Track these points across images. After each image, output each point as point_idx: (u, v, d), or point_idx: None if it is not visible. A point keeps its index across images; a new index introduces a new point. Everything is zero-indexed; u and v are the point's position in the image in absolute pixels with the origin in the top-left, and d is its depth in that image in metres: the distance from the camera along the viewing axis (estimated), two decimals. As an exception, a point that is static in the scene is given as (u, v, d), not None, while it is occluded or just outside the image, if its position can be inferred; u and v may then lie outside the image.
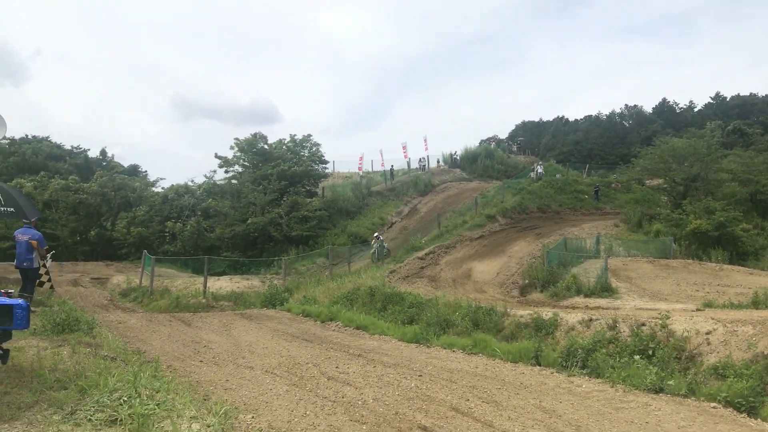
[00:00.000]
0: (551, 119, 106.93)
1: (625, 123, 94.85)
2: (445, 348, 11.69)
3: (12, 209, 9.83)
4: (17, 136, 49.92)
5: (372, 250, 27.52)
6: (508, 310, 13.54)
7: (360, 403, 7.46)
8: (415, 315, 14.45)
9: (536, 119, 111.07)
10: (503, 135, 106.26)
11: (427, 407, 7.31)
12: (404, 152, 49.36)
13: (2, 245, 31.00)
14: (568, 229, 29.90)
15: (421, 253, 24.86)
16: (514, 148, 75.98)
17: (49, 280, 13.35)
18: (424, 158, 50.28)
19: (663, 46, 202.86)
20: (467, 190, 41.98)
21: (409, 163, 49.25)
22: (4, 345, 2.45)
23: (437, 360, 10.56)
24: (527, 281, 20.53)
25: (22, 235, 12.44)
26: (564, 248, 23.23)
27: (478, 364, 10.31)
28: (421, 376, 9.06)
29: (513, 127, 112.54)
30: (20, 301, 2.28)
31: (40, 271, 12.82)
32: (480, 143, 70.38)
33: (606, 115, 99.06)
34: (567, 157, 72.34)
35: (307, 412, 6.98)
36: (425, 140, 50.62)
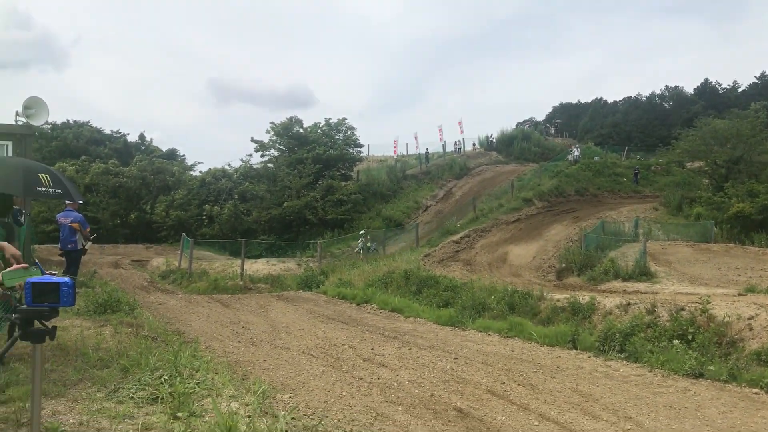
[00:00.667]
0: (589, 101, 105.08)
1: (666, 104, 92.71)
2: (480, 331, 11.65)
3: (59, 191, 10.05)
4: (59, 121, 50.86)
5: (357, 249, 27.35)
6: (545, 293, 13.44)
7: (395, 384, 7.49)
8: (450, 298, 14.43)
9: (574, 101, 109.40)
10: (540, 117, 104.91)
11: (462, 389, 7.31)
12: (440, 135, 49.17)
13: (46, 228, 31.75)
14: (606, 212, 29.47)
15: (456, 237, 24.79)
16: (552, 131, 75.05)
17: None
18: (459, 141, 49.95)
19: (706, 24, 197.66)
20: (503, 174, 41.62)
21: (444, 147, 48.98)
22: (52, 322, 2.50)
23: (472, 343, 10.54)
24: (564, 265, 20.33)
25: (64, 218, 12.72)
26: (602, 232, 22.93)
27: (514, 347, 10.26)
28: (456, 358, 9.07)
29: (550, 110, 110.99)
30: (66, 279, 2.33)
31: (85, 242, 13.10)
32: (516, 126, 69.66)
33: (646, 96, 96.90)
34: (605, 140, 71.13)
35: (343, 393, 7.04)
36: (460, 123, 50.28)
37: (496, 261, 21.83)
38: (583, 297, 12.69)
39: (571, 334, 10.43)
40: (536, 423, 6.19)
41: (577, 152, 41.60)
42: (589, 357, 9.58)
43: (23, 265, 3.14)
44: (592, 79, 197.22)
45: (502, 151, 50.21)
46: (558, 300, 12.86)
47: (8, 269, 2.81)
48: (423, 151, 47.34)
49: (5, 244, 4.92)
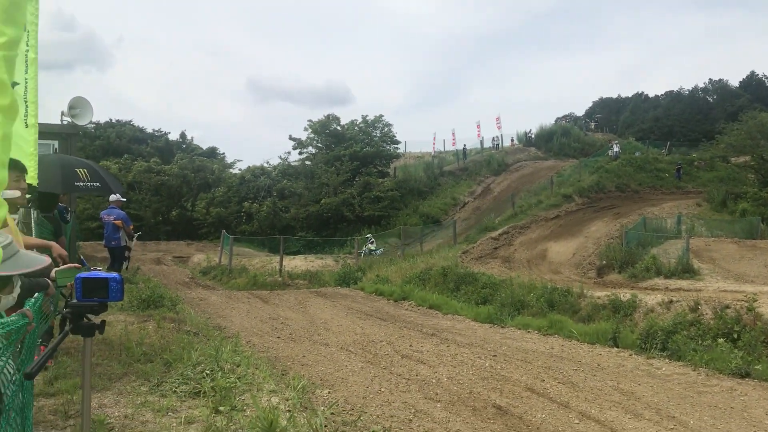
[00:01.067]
0: (630, 95, 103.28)
1: (709, 98, 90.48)
2: (519, 328, 11.57)
3: (98, 184, 10.26)
4: (102, 121, 51.83)
5: (362, 250, 27.24)
6: (585, 291, 13.27)
7: (434, 381, 7.49)
8: (489, 295, 14.35)
9: (614, 95, 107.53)
10: (579, 112, 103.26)
11: (501, 387, 7.27)
12: (477, 131, 48.83)
13: (91, 225, 32.48)
14: (648, 208, 28.92)
15: (494, 234, 24.62)
16: (592, 126, 73.67)
17: (127, 258, 13.92)
18: (497, 137, 49.54)
19: (751, 14, 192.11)
20: (542, 169, 41.15)
21: (482, 142, 48.64)
22: (101, 316, 2.58)
23: (512, 340, 10.47)
24: (604, 262, 20.02)
25: (108, 215, 13.01)
26: (643, 228, 22.51)
27: (554, 345, 10.16)
28: (495, 356, 9.02)
29: (590, 104, 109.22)
30: (115, 274, 2.40)
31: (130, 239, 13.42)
32: (555, 121, 68.63)
33: (688, 90, 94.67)
34: (647, 135, 69.76)
35: (382, 389, 7.07)
36: (498, 119, 49.84)
37: (535, 258, 21.62)
38: (624, 294, 12.49)
39: (611, 332, 10.28)
40: (576, 421, 6.13)
41: (616, 148, 40.82)
42: (631, 355, 9.43)
43: (75, 265, 3.25)
44: (633, 73, 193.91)
45: (541, 146, 49.61)
46: (598, 297, 12.68)
47: (61, 268, 2.91)
48: (460, 148, 47.11)
49: (53, 243, 5.07)
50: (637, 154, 41.08)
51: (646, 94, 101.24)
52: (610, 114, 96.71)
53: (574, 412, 6.39)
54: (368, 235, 29.42)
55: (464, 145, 47.73)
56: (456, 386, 7.27)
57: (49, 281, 3.18)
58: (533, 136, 51.59)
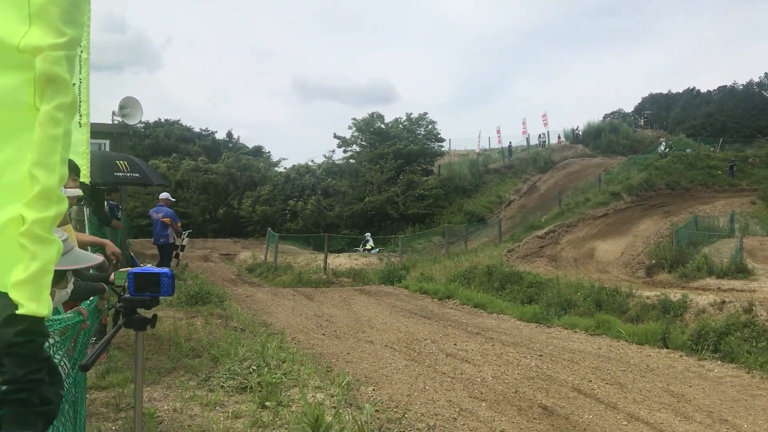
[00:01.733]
0: (681, 91, 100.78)
1: (765, 93, 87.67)
2: (566, 328, 11.41)
3: (137, 174, 10.49)
4: (151, 120, 52.82)
5: (358, 247, 28.11)
6: (634, 290, 13.00)
7: (479, 380, 7.44)
8: (535, 294, 14.19)
9: (664, 91, 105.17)
10: (628, 109, 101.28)
11: (547, 387, 7.18)
12: (523, 128, 48.25)
13: (141, 223, 33.23)
14: (699, 206, 28.17)
15: (540, 232, 24.31)
16: (641, 122, 72.05)
17: (177, 255, 14.19)
18: (543, 134, 48.87)
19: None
20: (590, 167, 40.43)
21: (528, 140, 48.05)
22: (153, 310, 2.65)
23: (558, 340, 10.33)
24: (654, 261, 19.58)
25: (157, 213, 13.29)
26: (694, 227, 21.93)
27: (601, 345, 9.99)
28: (541, 355, 8.91)
29: (639, 100, 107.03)
30: (167, 270, 2.46)
31: (179, 238, 13.71)
32: (603, 118, 67.48)
33: (742, 85, 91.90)
34: (698, 131, 67.89)
35: (426, 387, 7.05)
36: (544, 116, 49.16)
37: (582, 257, 21.28)
38: (675, 294, 12.19)
39: (661, 333, 10.05)
40: (625, 423, 6.01)
41: (663, 147, 39.75)
42: (681, 356, 9.21)
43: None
44: (684, 69, 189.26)
45: (589, 143, 48.74)
46: (647, 297, 12.41)
47: (121, 270, 3.00)
48: (506, 145, 46.63)
49: (107, 241, 5.20)
50: (688, 151, 40.04)
51: (698, 90, 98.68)
52: (660, 110, 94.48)
53: (622, 414, 6.27)
54: (366, 234, 29.85)
55: (510, 142, 47.24)
56: (501, 385, 7.21)
57: (105, 287, 3.28)
58: (580, 132, 50.72)
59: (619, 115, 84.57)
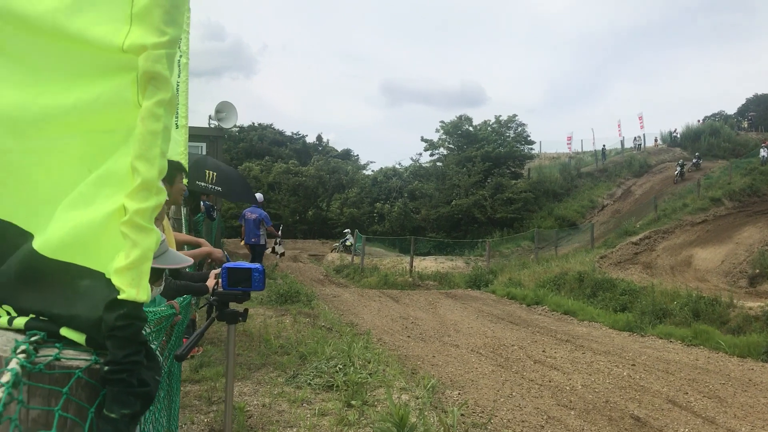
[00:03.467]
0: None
1: None
2: (660, 338, 10.95)
3: (219, 189, 10.81)
4: (245, 124, 54.66)
5: (337, 246, 28.63)
6: (735, 301, 12.33)
7: (568, 388, 7.24)
8: (628, 302, 13.70)
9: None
10: (731, 110, 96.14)
11: (640, 397, 6.90)
12: (618, 131, 46.77)
13: (234, 223, 34.37)
14: (809, 214, 26.43)
15: (635, 238, 23.46)
16: (744, 125, 68.28)
17: (274, 250, 14.57)
18: (639, 137, 47.16)
19: None
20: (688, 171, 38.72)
21: (622, 142, 46.50)
22: (244, 304, 2.74)
23: (652, 350, 9.92)
24: (758, 270, 18.51)
25: (251, 213, 13.69)
26: (804, 235, 20.62)
27: (699, 356, 9.52)
28: (633, 365, 8.58)
29: (743, 102, 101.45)
30: (258, 265, 2.53)
31: (275, 244, 14.13)
32: (704, 120, 64.37)
33: None
34: (809, 134, 63.73)
35: (513, 393, 6.93)
36: (641, 118, 47.41)
37: (679, 265, 20.38)
38: (782, 306, 11.48)
39: (765, 345, 9.47)
40: (725, 440, 5.70)
41: (764, 152, 37.25)
42: (789, 372, 8.65)
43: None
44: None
45: (687, 146, 46.58)
46: (750, 308, 11.74)
47: (217, 270, 3.13)
48: (599, 148, 45.34)
49: (203, 241, 5.39)
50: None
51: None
52: (767, 112, 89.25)
53: (721, 429, 5.95)
54: (346, 231, 30.37)
55: (603, 145, 45.89)
56: (591, 394, 6.99)
57: (208, 287, 3.42)
58: (678, 135, 48.63)
59: (720, 117, 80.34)
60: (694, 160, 34.57)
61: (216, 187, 10.84)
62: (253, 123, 55.55)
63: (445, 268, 23.26)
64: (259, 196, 14.20)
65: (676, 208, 27.75)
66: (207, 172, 10.82)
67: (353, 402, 5.35)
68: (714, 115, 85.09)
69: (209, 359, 6.70)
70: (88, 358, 1.09)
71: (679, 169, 32.70)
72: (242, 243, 14.36)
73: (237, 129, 50.12)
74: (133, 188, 1.13)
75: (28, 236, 1.23)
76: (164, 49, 1.17)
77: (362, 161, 52.22)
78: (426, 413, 5.16)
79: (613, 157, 43.92)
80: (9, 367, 0.96)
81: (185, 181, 4.28)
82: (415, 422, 4.56)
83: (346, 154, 54.11)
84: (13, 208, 1.26)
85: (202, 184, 10.60)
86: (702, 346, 10.18)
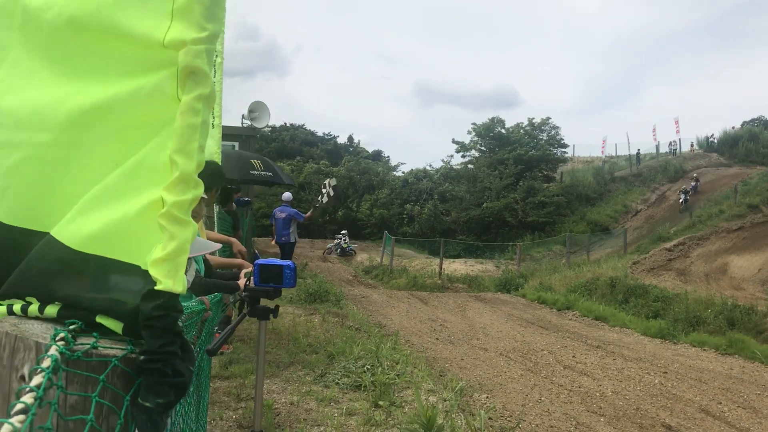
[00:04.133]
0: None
1: None
2: (694, 346, 10.76)
3: (270, 173, 10.90)
4: (277, 124, 54.96)
5: (330, 244, 28.88)
6: (772, 310, 12.09)
7: (598, 394, 7.16)
8: (661, 309, 13.50)
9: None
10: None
11: (672, 406, 6.79)
12: (653, 135, 46.09)
13: (264, 222, 34.66)
14: None
15: (668, 245, 23.10)
16: (785, 130, 66.79)
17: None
18: (674, 141, 46.39)
19: None
20: (725, 177, 37.91)
21: (657, 147, 45.79)
22: (275, 301, 2.77)
23: (684, 358, 9.75)
24: (796, 280, 18.10)
25: (281, 212, 13.80)
26: None
27: (733, 365, 9.33)
28: (666, 373, 8.45)
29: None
30: (289, 262, 2.56)
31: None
32: (742, 125, 63.08)
33: None
34: None
35: (542, 398, 6.87)
36: (677, 122, 46.63)
37: (714, 272, 20.01)
38: (821, 317, 11.21)
39: (804, 357, 9.26)
40: (760, 452, 5.58)
41: None
42: (828, 385, 8.43)
43: None
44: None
45: (725, 152, 45.72)
46: (788, 318, 11.49)
47: (249, 270, 3.17)
48: (633, 152, 44.72)
49: (234, 240, 5.45)
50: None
51: None
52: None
53: (757, 442, 5.83)
54: (343, 232, 30.67)
55: (638, 149, 45.24)
56: (621, 401, 6.90)
57: (239, 285, 3.46)
58: (715, 140, 47.70)
59: (760, 121, 78.66)
60: (693, 184, 33.85)
61: (267, 173, 10.96)
62: (285, 123, 55.94)
63: (474, 271, 23.15)
64: (287, 195, 14.30)
65: (711, 214, 27.26)
66: (253, 161, 10.95)
67: (381, 402, 5.35)
68: (753, 120, 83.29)
69: (238, 356, 6.77)
70: (124, 347, 1.11)
71: (683, 196, 32.03)
72: (273, 242, 14.48)
73: (269, 129, 50.48)
74: (171, 181, 1.14)
75: (44, 234, 1.25)
76: (204, 44, 1.18)
77: (393, 162, 52.21)
78: (453, 416, 5.15)
79: (647, 161, 43.31)
80: (49, 353, 0.98)
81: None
82: (442, 424, 4.54)
83: (377, 155, 54.17)
84: (34, 209, 1.29)
85: (256, 173, 10.71)
86: (737, 356, 9.98)
